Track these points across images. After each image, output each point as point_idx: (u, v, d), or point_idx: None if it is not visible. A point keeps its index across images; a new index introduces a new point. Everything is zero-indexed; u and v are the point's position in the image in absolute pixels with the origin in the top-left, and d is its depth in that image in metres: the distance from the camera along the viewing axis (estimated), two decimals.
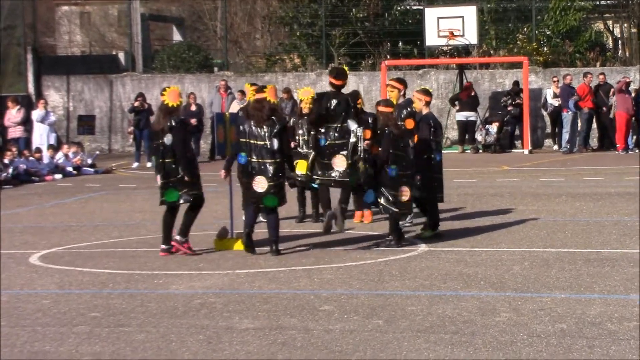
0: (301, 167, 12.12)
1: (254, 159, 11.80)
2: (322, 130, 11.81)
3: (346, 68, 12.63)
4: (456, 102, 28.06)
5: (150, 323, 8.58)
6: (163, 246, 12.10)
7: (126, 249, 12.69)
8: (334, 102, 11.83)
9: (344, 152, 11.75)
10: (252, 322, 8.52)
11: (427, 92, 13.41)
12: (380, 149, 12.26)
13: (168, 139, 11.89)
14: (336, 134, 11.76)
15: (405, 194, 12.20)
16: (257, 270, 11.01)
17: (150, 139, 12.18)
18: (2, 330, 8.46)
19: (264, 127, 11.80)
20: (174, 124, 11.89)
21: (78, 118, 28.59)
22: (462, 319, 8.44)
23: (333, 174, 11.81)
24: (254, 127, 11.85)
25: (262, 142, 11.78)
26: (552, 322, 8.28)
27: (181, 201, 12.01)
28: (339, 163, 11.79)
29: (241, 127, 12.02)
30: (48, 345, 7.93)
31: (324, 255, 11.82)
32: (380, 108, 12.43)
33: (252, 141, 11.82)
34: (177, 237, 12.06)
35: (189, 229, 12.12)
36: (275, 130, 11.80)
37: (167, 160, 11.92)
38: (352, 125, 11.83)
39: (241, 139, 11.98)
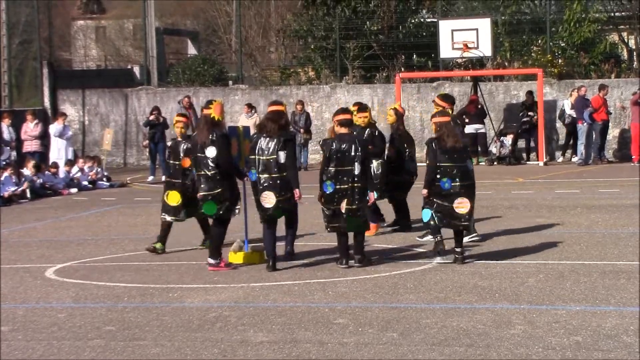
0: None
1: (263, 175, 11.70)
2: (327, 176, 11.70)
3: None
4: (464, 116, 28.07)
5: (165, 337, 8.60)
6: (210, 260, 11.99)
7: (141, 263, 12.72)
8: (344, 145, 11.78)
9: (349, 197, 11.67)
10: (266, 335, 8.54)
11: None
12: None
13: (210, 151, 11.82)
14: (344, 178, 11.70)
15: (464, 205, 11.94)
16: (272, 283, 11.02)
17: (192, 152, 12.15)
18: (18, 344, 8.51)
19: (274, 139, 11.71)
20: (215, 137, 11.86)
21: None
22: (476, 332, 8.43)
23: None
24: (263, 141, 11.77)
25: (270, 157, 11.68)
26: (567, 335, 8.26)
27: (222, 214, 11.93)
28: (344, 206, 11.70)
29: (252, 143, 11.91)
30: (64, 359, 7.96)
31: (339, 268, 11.81)
32: (436, 119, 12.14)
33: (259, 157, 11.73)
34: (211, 261, 11.97)
35: (219, 248, 11.99)
36: (282, 143, 11.71)
37: (206, 173, 11.86)
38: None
39: (250, 156, 11.92)
